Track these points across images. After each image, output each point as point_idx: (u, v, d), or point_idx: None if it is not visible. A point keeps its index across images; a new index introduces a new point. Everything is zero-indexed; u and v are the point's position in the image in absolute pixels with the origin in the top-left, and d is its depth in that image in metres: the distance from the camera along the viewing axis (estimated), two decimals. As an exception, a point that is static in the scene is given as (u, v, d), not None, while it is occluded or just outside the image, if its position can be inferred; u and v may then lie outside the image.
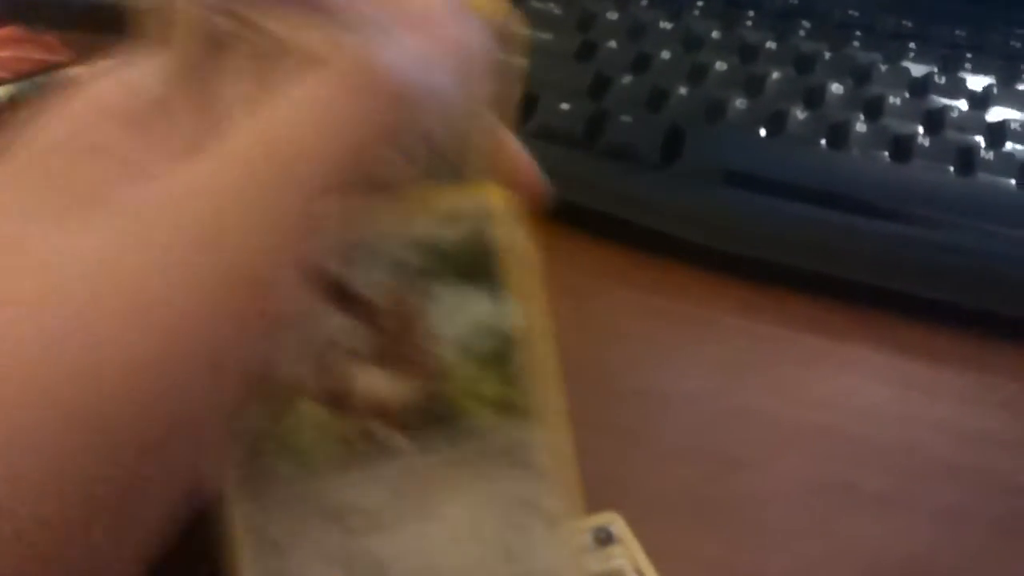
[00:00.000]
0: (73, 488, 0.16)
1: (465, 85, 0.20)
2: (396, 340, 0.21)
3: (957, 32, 0.46)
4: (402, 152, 0.20)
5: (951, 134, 0.39)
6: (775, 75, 0.42)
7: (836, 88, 0.41)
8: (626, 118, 0.39)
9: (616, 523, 0.27)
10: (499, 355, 0.21)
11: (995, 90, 0.42)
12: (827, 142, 0.39)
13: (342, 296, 0.20)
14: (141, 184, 0.19)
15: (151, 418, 0.17)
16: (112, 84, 0.20)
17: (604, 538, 0.27)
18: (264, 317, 0.18)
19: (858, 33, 0.45)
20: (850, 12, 0.47)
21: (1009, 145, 0.39)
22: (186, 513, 0.18)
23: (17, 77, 0.34)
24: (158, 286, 0.17)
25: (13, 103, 0.33)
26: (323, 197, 0.18)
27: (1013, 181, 0.37)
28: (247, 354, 0.18)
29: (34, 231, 0.18)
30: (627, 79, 0.41)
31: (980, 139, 0.39)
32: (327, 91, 0.19)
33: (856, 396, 0.32)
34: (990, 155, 0.38)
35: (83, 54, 0.40)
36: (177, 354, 0.17)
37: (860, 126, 0.39)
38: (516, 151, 0.25)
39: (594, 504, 0.27)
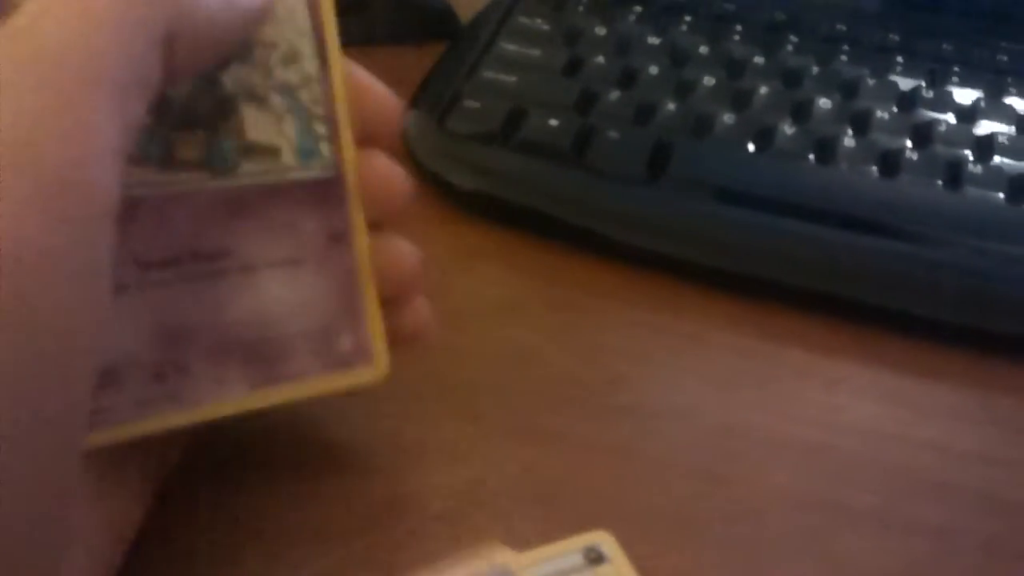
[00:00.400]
0: None
1: None
2: None
3: (944, 46, 0.46)
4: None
5: (939, 148, 0.39)
6: (762, 90, 0.42)
7: (824, 103, 0.41)
8: (613, 133, 0.39)
9: (606, 542, 0.27)
10: None
11: (982, 104, 0.42)
12: (815, 157, 0.39)
13: None
14: None
15: None
16: None
17: (594, 557, 0.27)
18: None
19: (845, 47, 0.45)
20: (837, 27, 0.47)
21: (997, 159, 0.39)
22: None
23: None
24: None
25: None
26: (98, 90, 0.18)
27: (1001, 195, 0.37)
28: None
29: None
30: (614, 94, 0.41)
31: (968, 153, 0.39)
32: None
33: (846, 413, 0.32)
34: (978, 169, 0.38)
35: None
36: None
37: (848, 141, 0.39)
38: (360, 76, 0.25)
39: (585, 522, 0.27)
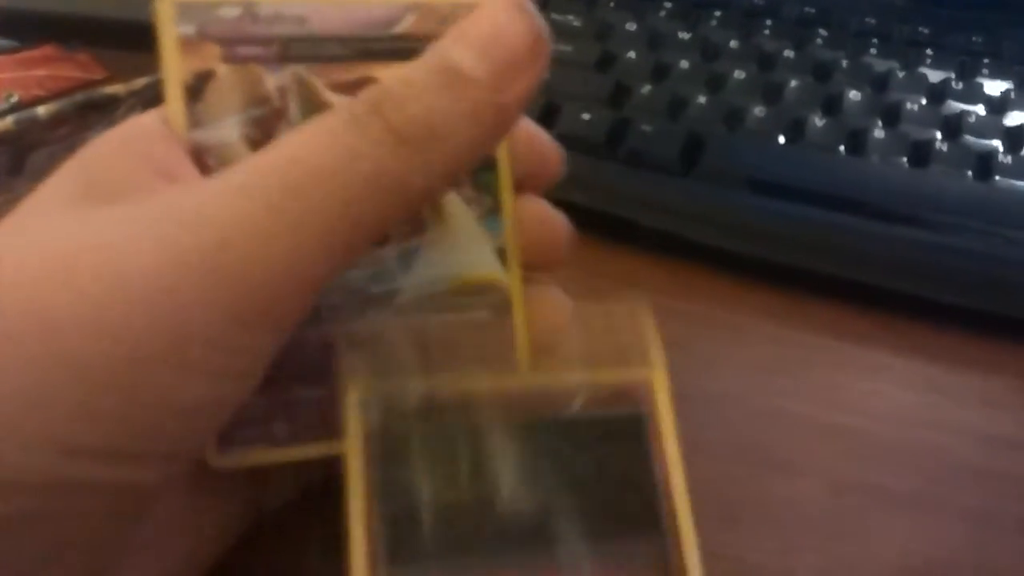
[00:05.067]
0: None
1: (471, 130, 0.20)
2: None
3: (974, 38, 0.46)
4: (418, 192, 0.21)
5: (969, 139, 0.39)
6: (793, 83, 0.42)
7: (854, 95, 0.42)
8: (646, 126, 0.40)
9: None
10: None
11: (1012, 95, 0.42)
12: (846, 149, 0.39)
13: None
14: (166, 188, 0.20)
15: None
16: (159, 114, 0.22)
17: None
18: (262, 321, 0.19)
19: (875, 41, 0.46)
20: (867, 20, 0.47)
21: (1027, 149, 0.39)
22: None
23: (54, 95, 0.35)
24: (154, 272, 0.18)
25: (53, 122, 0.34)
26: (334, 222, 0.19)
27: (1032, 185, 0.37)
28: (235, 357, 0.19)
29: (42, 215, 0.20)
30: (647, 88, 0.42)
31: (998, 144, 0.39)
32: (334, 122, 0.20)
33: (882, 400, 0.33)
34: (1008, 159, 0.38)
35: (117, 71, 0.41)
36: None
37: (878, 132, 0.40)
38: (523, 123, 0.26)
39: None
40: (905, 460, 0.30)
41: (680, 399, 0.33)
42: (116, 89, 0.36)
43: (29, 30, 0.45)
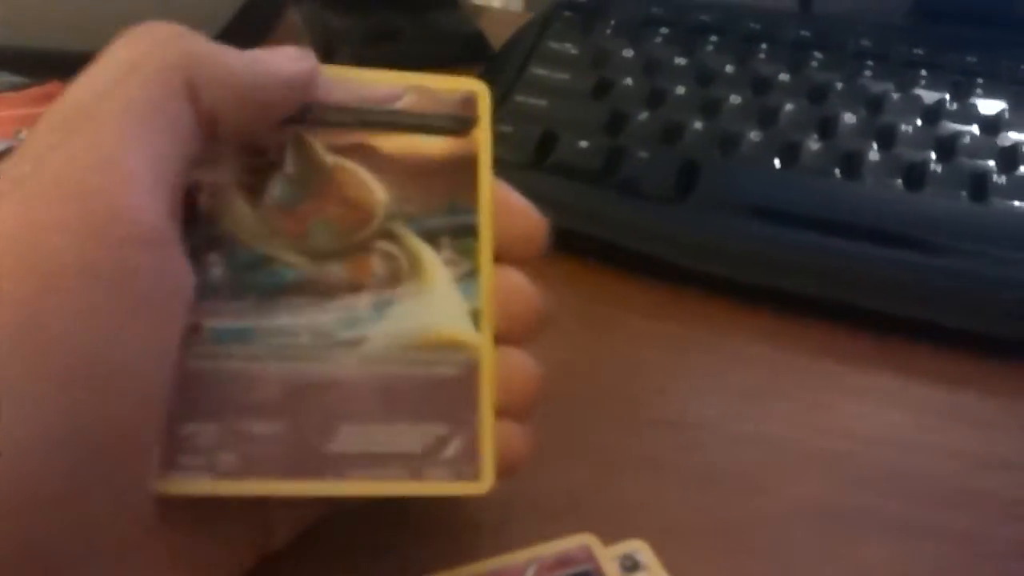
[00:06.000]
0: None
1: None
2: None
3: (968, 59, 0.46)
4: None
5: (964, 160, 0.40)
6: (788, 107, 0.43)
7: (849, 118, 0.42)
8: (642, 153, 0.40)
9: (642, 550, 0.28)
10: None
11: (1007, 115, 0.42)
12: (841, 172, 0.39)
13: None
14: None
15: None
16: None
17: (630, 565, 0.27)
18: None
19: (870, 63, 0.46)
20: (862, 42, 0.47)
21: (1022, 169, 0.39)
22: None
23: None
24: None
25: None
26: (126, 130, 0.21)
27: (1027, 205, 0.37)
28: None
29: None
30: (643, 115, 0.42)
31: (993, 164, 0.39)
32: None
33: (873, 422, 0.33)
34: (1003, 180, 0.39)
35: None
36: None
37: (873, 155, 0.40)
38: (505, 194, 0.27)
39: (620, 531, 0.28)
40: (896, 483, 0.31)
41: (673, 425, 0.33)
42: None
43: (36, 67, 0.46)
